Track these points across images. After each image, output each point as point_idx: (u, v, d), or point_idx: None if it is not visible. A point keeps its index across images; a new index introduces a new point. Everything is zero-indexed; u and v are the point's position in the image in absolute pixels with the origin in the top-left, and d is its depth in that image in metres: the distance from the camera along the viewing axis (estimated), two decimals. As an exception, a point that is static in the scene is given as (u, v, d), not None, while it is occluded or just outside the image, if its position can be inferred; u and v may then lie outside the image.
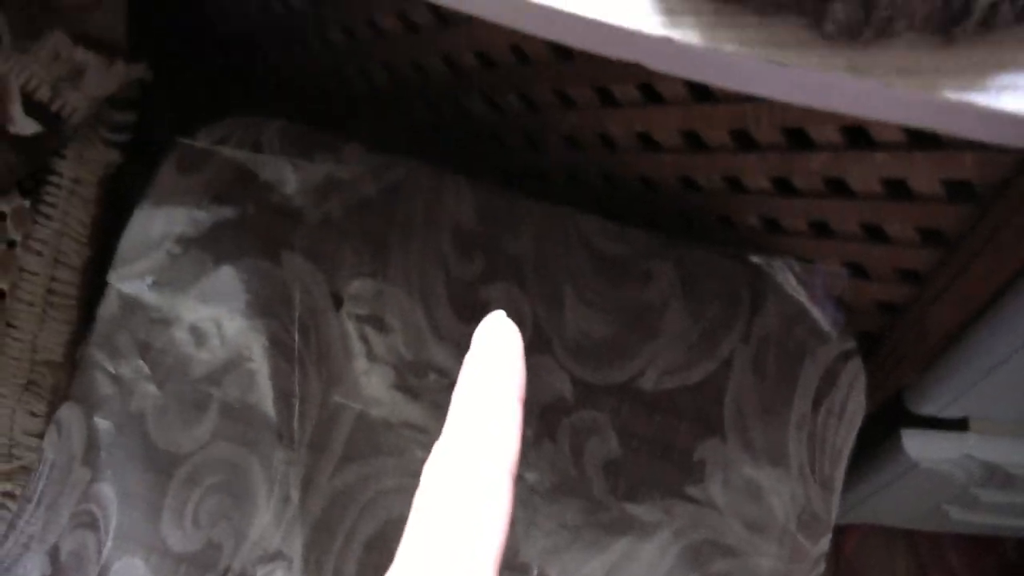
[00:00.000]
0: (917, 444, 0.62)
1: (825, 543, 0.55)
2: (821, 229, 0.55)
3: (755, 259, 0.55)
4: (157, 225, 0.55)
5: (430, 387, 0.53)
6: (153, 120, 0.61)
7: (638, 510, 0.52)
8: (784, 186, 0.53)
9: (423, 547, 0.23)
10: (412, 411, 0.53)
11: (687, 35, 0.35)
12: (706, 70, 0.35)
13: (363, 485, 0.52)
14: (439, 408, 0.53)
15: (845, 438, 0.56)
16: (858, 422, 0.57)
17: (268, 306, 0.54)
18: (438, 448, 0.27)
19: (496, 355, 0.28)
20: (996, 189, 0.47)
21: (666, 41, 0.35)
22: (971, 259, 0.51)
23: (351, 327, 0.54)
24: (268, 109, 0.60)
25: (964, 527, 0.74)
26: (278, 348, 0.53)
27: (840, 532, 0.89)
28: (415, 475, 0.53)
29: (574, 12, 0.35)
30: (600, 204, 0.59)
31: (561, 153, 0.58)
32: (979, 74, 0.35)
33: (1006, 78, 0.35)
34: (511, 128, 0.59)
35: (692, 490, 0.53)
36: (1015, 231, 0.48)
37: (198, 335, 0.54)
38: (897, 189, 0.50)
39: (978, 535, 0.82)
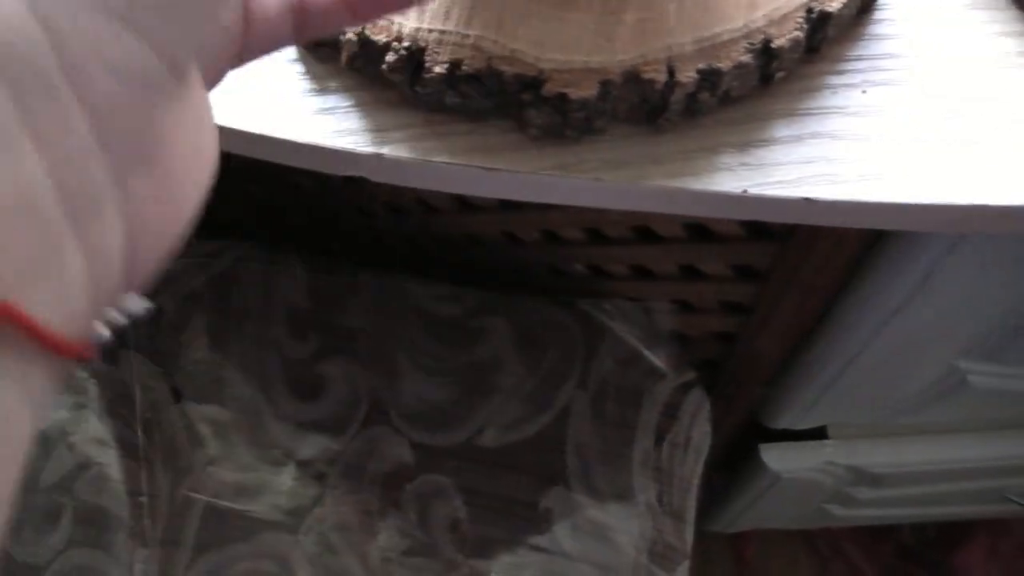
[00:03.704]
0: (776, 457, 0.63)
1: (684, 570, 0.57)
2: (644, 271, 0.55)
3: (586, 304, 0.56)
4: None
5: (273, 468, 0.54)
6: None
7: (486, 566, 0.53)
8: (597, 236, 0.54)
9: None
10: (258, 495, 0.54)
11: (397, 150, 0.35)
12: (421, 179, 0.36)
13: (218, 574, 0.53)
14: (283, 491, 0.54)
15: (693, 467, 0.58)
16: (705, 449, 0.58)
17: (111, 407, 0.55)
18: None
19: None
20: (787, 227, 0.48)
21: (377, 157, 0.35)
22: (783, 289, 0.52)
23: (193, 419, 0.55)
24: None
25: (853, 521, 0.76)
26: (124, 448, 0.54)
27: (738, 539, 0.90)
28: (267, 558, 0.54)
29: (298, 140, 0.36)
30: (434, 264, 0.60)
31: (390, 220, 0.58)
32: (690, 160, 0.36)
33: (718, 160, 0.35)
34: (341, 200, 0.60)
35: (539, 540, 0.54)
36: (814, 261, 0.49)
37: (45, 444, 0.55)
38: (701, 232, 0.51)
39: (874, 525, 0.83)
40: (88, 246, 0.18)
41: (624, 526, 0.55)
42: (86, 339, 0.18)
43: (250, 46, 0.23)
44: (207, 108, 0.21)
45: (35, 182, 0.16)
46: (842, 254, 0.48)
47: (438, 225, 0.58)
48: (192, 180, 0.21)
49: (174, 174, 0.20)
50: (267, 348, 0.55)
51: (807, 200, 0.35)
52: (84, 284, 0.18)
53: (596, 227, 0.53)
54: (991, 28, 0.38)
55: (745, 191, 0.35)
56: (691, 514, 0.57)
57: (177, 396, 0.55)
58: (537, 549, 0.54)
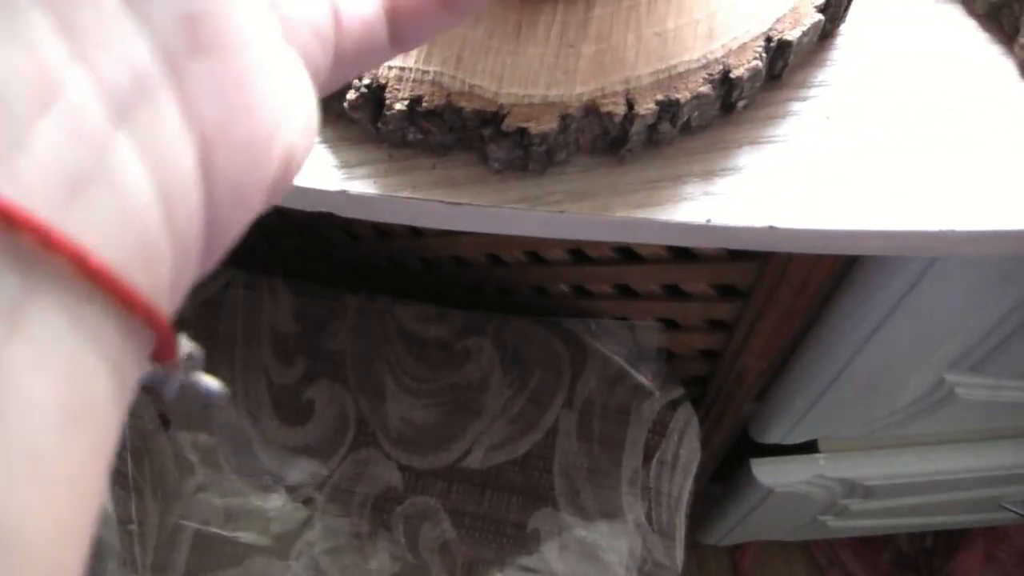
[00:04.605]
0: (767, 472, 0.63)
1: (674, 587, 0.57)
2: (628, 290, 0.56)
3: (571, 323, 0.56)
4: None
5: (262, 493, 0.55)
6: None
7: (476, 589, 0.54)
8: (581, 256, 0.54)
9: None
10: (247, 520, 0.54)
11: (363, 186, 0.36)
12: (387, 215, 0.36)
13: (208, 599, 0.54)
14: (272, 516, 0.54)
15: (682, 484, 0.58)
16: (694, 467, 0.58)
17: (101, 435, 0.56)
18: None
19: None
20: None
21: (343, 194, 0.36)
22: (763, 308, 0.52)
23: (181, 446, 0.55)
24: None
25: (848, 532, 0.75)
26: (114, 477, 0.55)
27: (734, 550, 0.90)
28: (257, 583, 0.55)
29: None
30: (419, 285, 0.60)
31: (374, 242, 0.59)
32: (654, 190, 0.36)
33: (681, 190, 0.36)
34: (325, 223, 0.61)
35: (528, 560, 0.54)
36: (792, 281, 0.49)
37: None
38: (683, 252, 0.51)
39: (870, 535, 0.82)
40: (142, 139, 0.14)
41: (613, 545, 0.55)
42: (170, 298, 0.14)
43: (345, 52, 0.20)
44: (306, 79, 0.18)
45: (54, 63, 0.13)
46: (819, 274, 0.48)
47: (423, 247, 0.58)
48: (278, 103, 0.17)
49: (248, 81, 0.16)
50: (254, 373, 0.56)
51: (771, 228, 0.35)
52: (149, 196, 0.14)
53: (579, 248, 0.53)
54: (953, 49, 0.37)
55: (709, 221, 0.35)
56: (680, 532, 0.57)
57: (166, 423, 0.56)
58: (526, 569, 0.54)
